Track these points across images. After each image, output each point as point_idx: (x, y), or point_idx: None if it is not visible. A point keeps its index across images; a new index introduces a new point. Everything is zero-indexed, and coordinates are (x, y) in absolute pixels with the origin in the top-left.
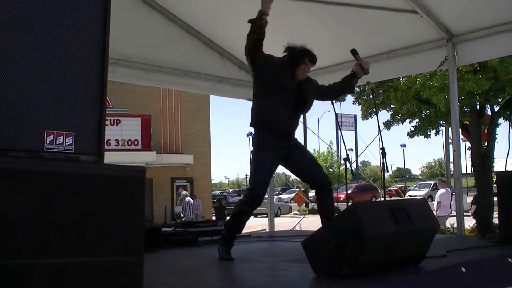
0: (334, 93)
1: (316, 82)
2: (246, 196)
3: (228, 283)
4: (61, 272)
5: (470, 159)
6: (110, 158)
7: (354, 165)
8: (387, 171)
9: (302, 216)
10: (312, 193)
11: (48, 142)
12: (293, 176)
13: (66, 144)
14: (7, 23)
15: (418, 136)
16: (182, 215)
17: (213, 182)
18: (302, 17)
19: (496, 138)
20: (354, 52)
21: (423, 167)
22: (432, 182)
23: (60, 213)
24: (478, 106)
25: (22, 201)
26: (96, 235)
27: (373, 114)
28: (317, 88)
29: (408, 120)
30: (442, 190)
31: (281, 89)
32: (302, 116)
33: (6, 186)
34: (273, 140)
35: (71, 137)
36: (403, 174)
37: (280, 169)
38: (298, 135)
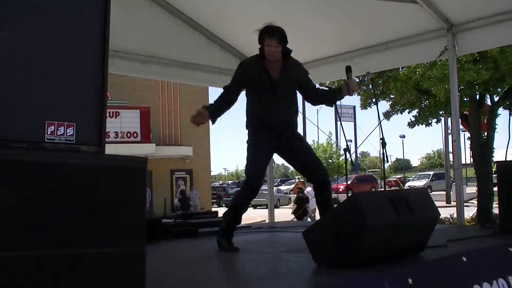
0: (316, 98)
1: (306, 72)
2: (242, 188)
3: (230, 273)
4: (63, 263)
5: (469, 149)
6: (109, 150)
7: (353, 156)
8: (387, 162)
9: None
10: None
11: (49, 133)
12: (292, 167)
13: (67, 134)
14: (7, 16)
15: (419, 125)
16: None
17: (212, 174)
18: (301, 9)
19: (496, 128)
20: (348, 69)
21: (422, 158)
22: (431, 173)
23: (62, 204)
24: (477, 96)
25: (24, 192)
26: (98, 226)
27: (372, 104)
28: (305, 78)
29: (407, 111)
30: (309, 188)
31: (261, 86)
32: (301, 107)
33: (9, 177)
34: (262, 133)
35: (72, 128)
36: (402, 166)
37: (279, 161)
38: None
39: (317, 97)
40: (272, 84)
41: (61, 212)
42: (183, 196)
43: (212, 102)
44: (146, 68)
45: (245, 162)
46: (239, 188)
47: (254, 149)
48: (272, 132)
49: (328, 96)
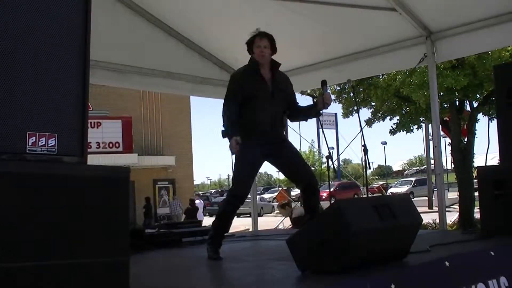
0: (297, 115)
1: (291, 87)
2: (229, 196)
3: (214, 282)
4: (46, 274)
5: (450, 154)
6: (91, 160)
7: (335, 163)
8: (369, 168)
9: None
10: (294, 192)
11: (30, 143)
12: (275, 175)
13: (49, 145)
14: None
15: (400, 132)
16: None
17: (195, 183)
18: (283, 17)
19: (475, 134)
20: (323, 83)
21: (404, 164)
22: (413, 179)
23: (44, 214)
24: (457, 102)
25: (5, 203)
26: (81, 236)
27: (354, 112)
28: (293, 94)
29: (388, 118)
30: (198, 201)
31: (259, 96)
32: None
33: None
34: (254, 140)
35: (54, 138)
36: (384, 172)
37: (263, 169)
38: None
39: (298, 113)
40: (269, 94)
41: (43, 223)
42: (147, 203)
43: (229, 123)
44: (127, 78)
45: (232, 170)
46: (225, 197)
47: (244, 157)
48: (265, 141)
49: (306, 112)
